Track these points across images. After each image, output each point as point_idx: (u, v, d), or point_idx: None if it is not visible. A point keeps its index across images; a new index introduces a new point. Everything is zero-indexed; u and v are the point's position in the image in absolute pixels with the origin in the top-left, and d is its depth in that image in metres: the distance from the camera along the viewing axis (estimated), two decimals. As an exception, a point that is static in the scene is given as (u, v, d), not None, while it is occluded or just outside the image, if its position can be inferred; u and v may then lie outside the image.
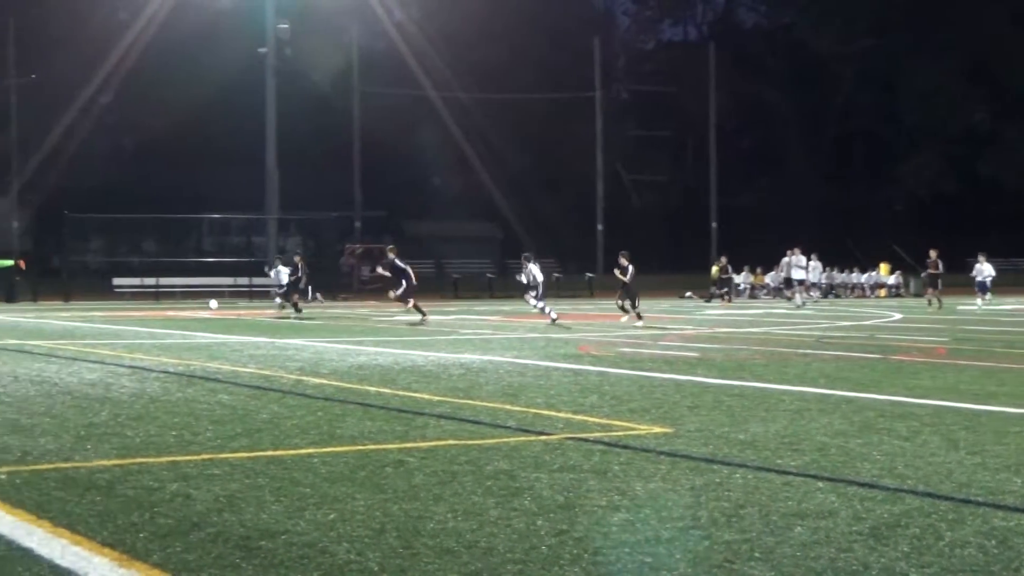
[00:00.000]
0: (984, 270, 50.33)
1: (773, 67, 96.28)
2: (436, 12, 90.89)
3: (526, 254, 39.07)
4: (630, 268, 35.66)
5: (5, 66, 74.51)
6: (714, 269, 58.34)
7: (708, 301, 56.32)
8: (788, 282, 55.19)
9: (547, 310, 36.57)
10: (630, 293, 36.03)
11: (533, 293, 37.22)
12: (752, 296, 65.92)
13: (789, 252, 53.48)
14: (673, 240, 69.19)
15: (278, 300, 45.54)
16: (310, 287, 49.76)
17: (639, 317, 35.04)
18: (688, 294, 61.83)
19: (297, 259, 45.17)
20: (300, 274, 44.34)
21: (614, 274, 37.13)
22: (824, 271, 66.82)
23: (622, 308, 36.31)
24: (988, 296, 49.99)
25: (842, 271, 71.48)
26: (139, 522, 8.48)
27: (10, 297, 59.01)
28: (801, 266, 51.95)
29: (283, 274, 44.86)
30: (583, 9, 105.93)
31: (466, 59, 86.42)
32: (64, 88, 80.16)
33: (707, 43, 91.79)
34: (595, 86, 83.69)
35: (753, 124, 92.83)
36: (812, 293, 57.27)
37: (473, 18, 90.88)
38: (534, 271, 37.25)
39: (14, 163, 74.82)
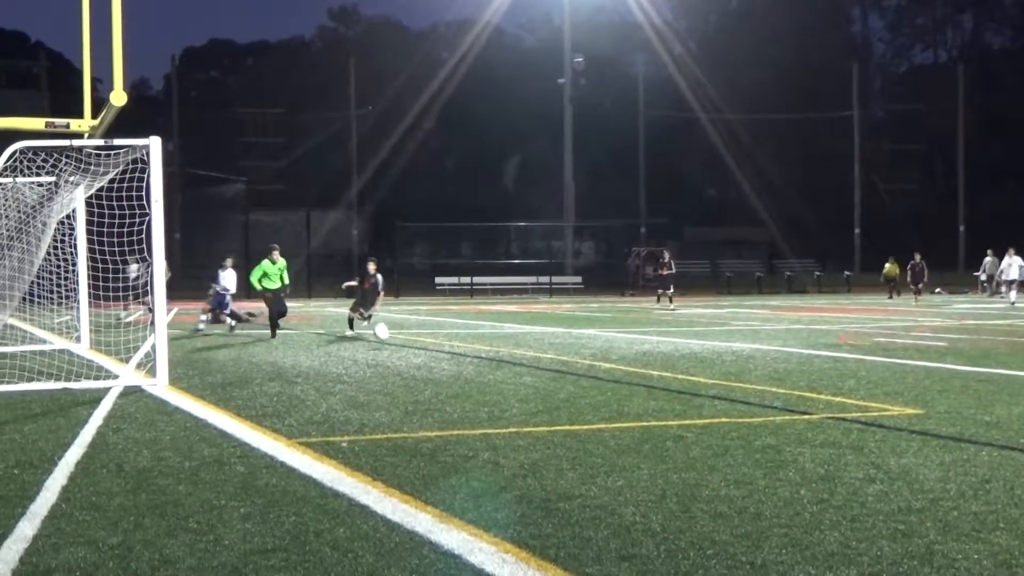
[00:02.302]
0: None
1: (1018, 84, 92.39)
2: (710, 45, 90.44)
3: (226, 260, 32.15)
4: (378, 277, 28.32)
5: (347, 99, 77.08)
6: (888, 267, 56.62)
7: (890, 297, 53.91)
8: (994, 279, 53.22)
9: (202, 319, 29.60)
10: (366, 301, 27.99)
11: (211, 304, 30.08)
12: (993, 293, 63.45)
13: (1007, 253, 51.27)
14: (924, 242, 66.89)
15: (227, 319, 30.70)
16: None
17: (365, 318, 27.60)
18: (938, 290, 59.91)
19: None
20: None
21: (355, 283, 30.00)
22: None
23: (361, 316, 27.66)
24: None
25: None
26: (456, 485, 8.67)
27: (350, 293, 60.79)
28: (1021, 265, 49.39)
29: (230, 280, 32.11)
30: (843, 38, 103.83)
31: (736, 85, 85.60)
32: (394, 116, 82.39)
33: (955, 65, 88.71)
34: (853, 106, 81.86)
35: (998, 136, 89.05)
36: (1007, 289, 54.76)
37: (743, 48, 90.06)
38: (226, 280, 30.89)
39: (354, 180, 77.40)
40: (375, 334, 24.73)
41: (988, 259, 56.75)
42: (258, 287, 26.94)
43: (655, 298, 45.65)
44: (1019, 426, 11.37)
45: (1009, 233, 57.80)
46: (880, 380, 15.88)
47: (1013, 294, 46.56)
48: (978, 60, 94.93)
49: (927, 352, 20.97)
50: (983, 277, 56.68)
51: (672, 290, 45.11)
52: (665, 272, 45.21)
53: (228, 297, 31.02)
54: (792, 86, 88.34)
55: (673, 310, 41.07)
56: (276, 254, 26.90)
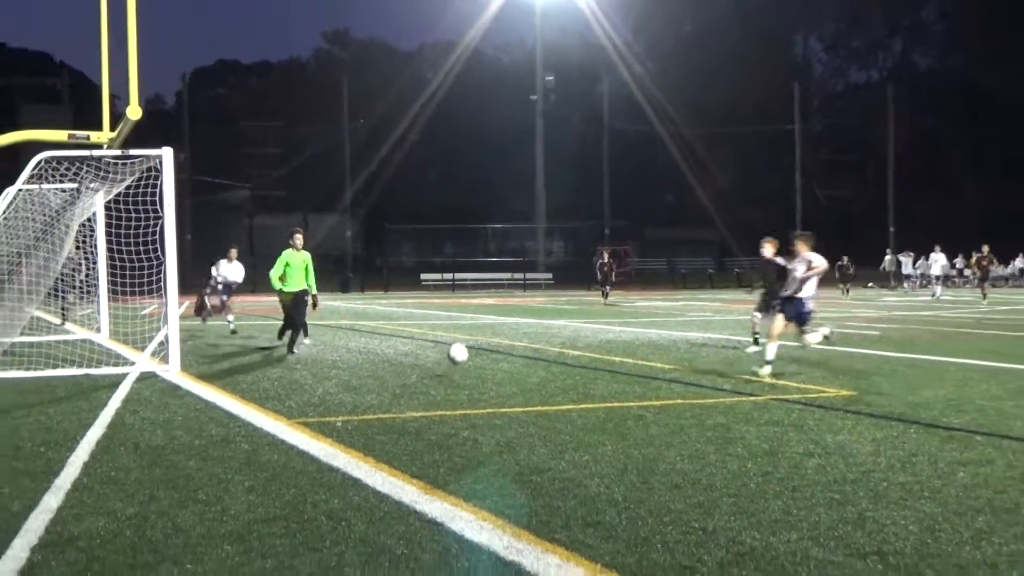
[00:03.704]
0: None
1: (944, 101, 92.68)
2: (667, 65, 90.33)
3: (231, 251, 26.31)
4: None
5: (340, 114, 76.79)
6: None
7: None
8: (922, 276, 53.72)
9: (230, 319, 24.77)
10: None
11: None
12: (923, 286, 63.63)
13: (933, 250, 51.42)
14: (858, 243, 67.14)
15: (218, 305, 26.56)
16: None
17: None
18: (870, 284, 60.13)
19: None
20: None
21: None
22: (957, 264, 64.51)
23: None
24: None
25: (996, 266, 68.31)
26: (439, 460, 8.68)
27: (344, 288, 60.84)
28: (943, 264, 49.36)
29: (236, 272, 26.08)
30: (787, 59, 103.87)
31: (690, 101, 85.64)
32: (383, 129, 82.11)
33: (886, 83, 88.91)
34: (795, 120, 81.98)
35: (926, 148, 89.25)
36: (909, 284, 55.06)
37: (696, 68, 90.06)
38: (225, 270, 25.82)
39: (347, 186, 77.14)
40: (451, 357, 15.11)
41: (888, 257, 57.07)
42: (277, 285, 18.80)
43: (600, 294, 44.44)
44: (943, 407, 11.45)
45: (935, 234, 57.98)
46: (819, 363, 15.96)
47: (939, 289, 46.58)
48: (907, 79, 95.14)
49: (860, 340, 21.08)
50: (909, 271, 56.92)
51: (609, 287, 44.00)
52: (607, 270, 44.38)
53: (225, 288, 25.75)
54: (740, 102, 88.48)
55: (609, 304, 40.47)
56: (299, 238, 18.89)
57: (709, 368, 15.68)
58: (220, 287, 25.89)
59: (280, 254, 19.05)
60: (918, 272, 59.20)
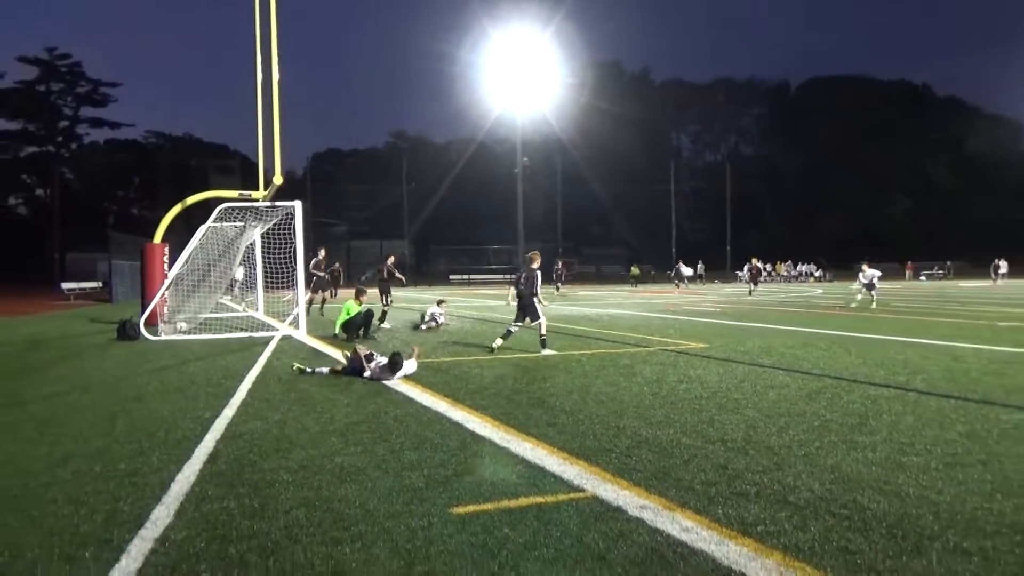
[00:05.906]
0: (869, 273, 28.33)
1: (758, 174, 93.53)
2: (595, 151, 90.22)
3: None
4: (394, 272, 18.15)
5: (400, 180, 76.47)
6: (633, 269, 56.61)
7: (635, 286, 50.72)
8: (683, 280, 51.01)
9: None
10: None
11: None
12: (745, 283, 63.10)
13: (748, 262, 50.05)
14: (712, 256, 67.28)
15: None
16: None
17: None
18: (715, 281, 60.05)
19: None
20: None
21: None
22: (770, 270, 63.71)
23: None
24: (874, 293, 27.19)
25: (788, 268, 68.49)
26: (460, 386, 8.64)
27: (403, 285, 60.20)
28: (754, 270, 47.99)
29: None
30: (666, 147, 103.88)
31: (610, 170, 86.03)
32: (427, 189, 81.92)
33: (725, 163, 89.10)
34: (671, 184, 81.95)
35: (750, 202, 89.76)
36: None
37: (613, 152, 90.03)
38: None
39: (405, 223, 76.89)
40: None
41: (682, 266, 53.39)
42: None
43: (554, 288, 43.53)
44: (759, 352, 11.46)
45: (752, 252, 57.80)
46: (686, 329, 15.97)
47: (751, 286, 46.05)
48: (737, 161, 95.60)
49: (710, 314, 21.11)
50: (674, 275, 52.84)
51: (560, 283, 43.29)
52: (560, 273, 43.94)
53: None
54: (638, 173, 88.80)
55: (561, 294, 39.90)
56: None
57: (620, 331, 15.67)
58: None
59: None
60: (742, 274, 58.94)
